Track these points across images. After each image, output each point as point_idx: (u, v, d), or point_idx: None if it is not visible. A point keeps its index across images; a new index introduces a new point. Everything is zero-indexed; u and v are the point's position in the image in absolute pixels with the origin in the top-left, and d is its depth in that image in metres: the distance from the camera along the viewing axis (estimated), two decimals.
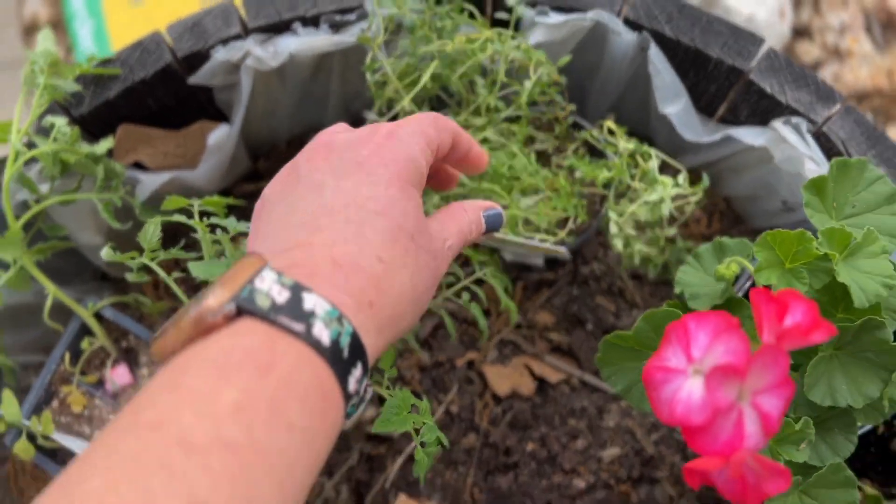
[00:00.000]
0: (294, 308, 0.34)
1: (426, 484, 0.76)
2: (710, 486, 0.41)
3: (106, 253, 0.63)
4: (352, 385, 0.36)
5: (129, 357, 0.73)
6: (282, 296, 0.34)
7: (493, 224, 0.49)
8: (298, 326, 0.34)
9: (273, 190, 0.43)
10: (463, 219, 0.47)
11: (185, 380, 0.31)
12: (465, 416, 0.78)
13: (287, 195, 0.42)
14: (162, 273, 0.60)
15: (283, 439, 0.31)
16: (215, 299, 0.34)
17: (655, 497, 0.74)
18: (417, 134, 0.43)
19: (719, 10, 1.20)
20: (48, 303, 0.70)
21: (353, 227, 0.39)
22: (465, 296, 0.60)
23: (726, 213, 0.82)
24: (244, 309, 0.34)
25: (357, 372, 0.36)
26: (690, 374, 0.40)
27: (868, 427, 0.62)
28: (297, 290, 0.35)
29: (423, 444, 0.51)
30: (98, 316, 0.72)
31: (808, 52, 1.30)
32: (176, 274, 0.60)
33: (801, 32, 1.32)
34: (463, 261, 0.69)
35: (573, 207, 0.65)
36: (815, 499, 0.54)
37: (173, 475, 0.27)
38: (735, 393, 0.38)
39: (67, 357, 0.72)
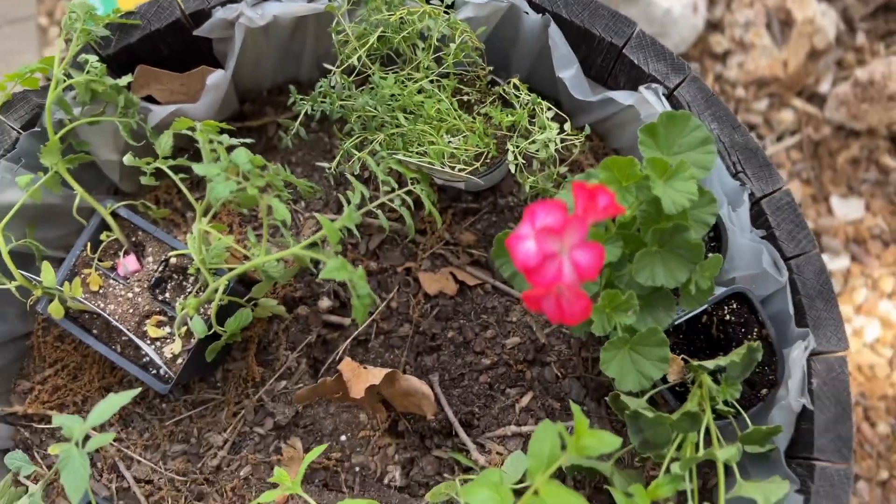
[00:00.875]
0: None
1: (371, 363, 0.97)
2: (541, 312, 0.62)
3: (128, 158, 0.82)
4: None
5: (138, 249, 0.93)
6: None
7: None
8: None
9: None
10: None
11: None
12: (401, 310, 0.99)
13: None
14: (173, 175, 0.79)
15: None
16: None
17: (545, 375, 0.96)
18: None
19: (640, 3, 1.41)
20: (76, 201, 0.89)
21: None
22: (397, 201, 0.81)
23: None
24: None
25: None
26: (530, 237, 0.61)
27: (695, 312, 0.84)
28: None
29: (359, 296, 0.72)
30: (114, 215, 0.92)
31: (719, 43, 1.52)
32: (182, 175, 0.80)
33: (714, 26, 1.54)
34: (398, 177, 0.89)
35: (486, 144, 0.86)
36: (640, 353, 0.76)
37: None
38: (557, 247, 0.60)
39: (89, 246, 0.91)
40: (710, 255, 0.78)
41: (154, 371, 0.89)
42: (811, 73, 1.46)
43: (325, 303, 0.99)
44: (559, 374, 0.96)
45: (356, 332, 0.97)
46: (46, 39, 1.60)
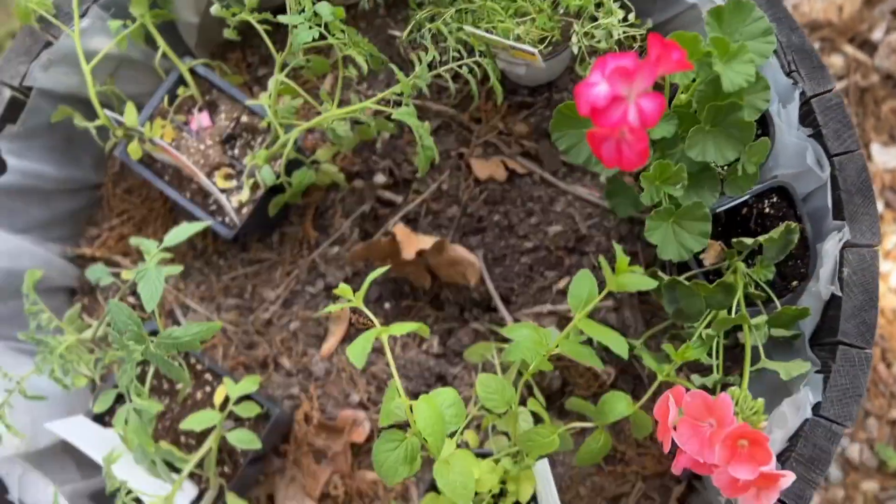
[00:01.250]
0: None
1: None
2: (600, 156, 0.66)
3: (215, 9, 0.87)
4: None
5: (211, 107, 0.98)
6: None
7: None
8: None
9: None
10: None
11: None
12: (451, 192, 1.04)
13: None
14: (258, 25, 0.84)
15: None
16: None
17: (583, 263, 1.01)
18: None
19: None
20: (158, 54, 0.95)
21: None
22: (465, 68, 0.85)
23: None
24: None
25: None
26: (600, 83, 0.65)
27: (736, 202, 0.88)
28: None
29: (423, 147, 0.77)
30: (191, 72, 0.97)
31: None
32: (265, 26, 0.85)
33: None
34: (469, 48, 0.92)
35: (551, 28, 0.89)
36: (682, 227, 0.80)
37: None
38: (626, 91, 0.64)
39: (166, 99, 0.97)
40: (759, 139, 0.81)
41: (220, 219, 0.94)
42: (865, 20, 1.48)
43: (380, 178, 1.04)
44: (595, 264, 1.01)
45: (407, 209, 1.02)
46: None
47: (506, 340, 0.98)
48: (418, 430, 0.66)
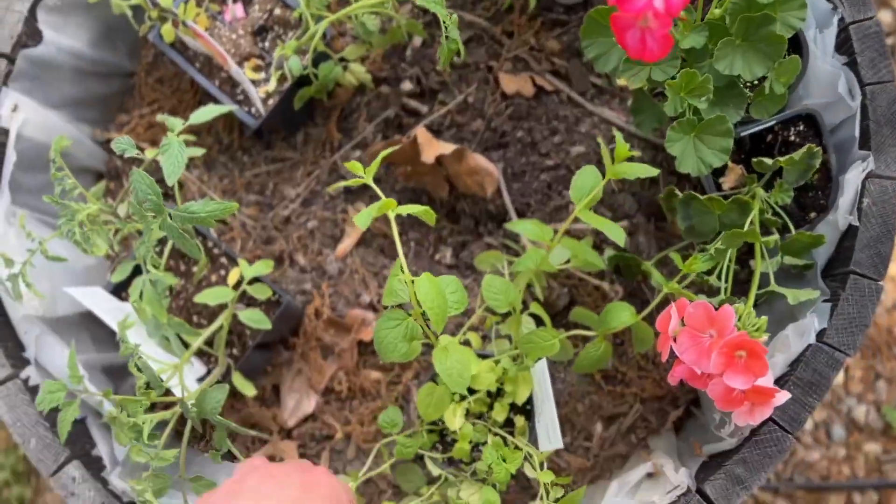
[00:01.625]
0: None
1: None
2: (624, 44, 0.66)
3: None
4: None
5: None
6: None
7: None
8: None
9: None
10: None
11: None
12: (477, 106, 1.04)
13: None
14: None
15: None
16: None
17: (603, 187, 1.00)
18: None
19: None
20: None
21: None
22: None
23: None
24: None
25: None
26: None
27: (761, 127, 0.87)
28: None
29: (447, 38, 0.77)
30: None
31: None
32: None
33: None
34: None
35: None
36: (703, 141, 0.79)
37: None
38: None
39: None
40: (789, 57, 0.80)
41: (246, 109, 0.96)
42: None
43: (407, 86, 1.04)
44: (616, 188, 1.00)
45: (431, 119, 1.03)
46: None
47: (517, 255, 0.99)
48: (419, 312, 0.68)
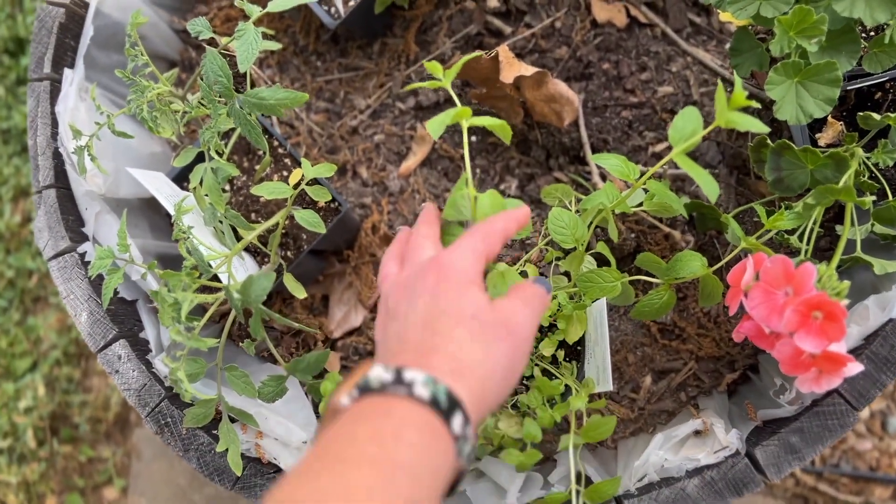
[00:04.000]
0: (397, 381, 0.48)
1: None
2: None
3: None
4: (456, 427, 0.47)
5: None
6: (388, 376, 0.48)
7: (548, 287, 0.61)
8: (403, 390, 0.47)
9: (377, 324, 0.58)
10: (528, 292, 0.58)
11: (335, 430, 0.46)
12: (564, 32, 0.98)
13: (383, 326, 0.56)
14: None
15: (406, 453, 0.44)
16: (340, 393, 0.49)
17: None
18: (468, 253, 0.56)
19: None
20: None
21: (429, 327, 0.52)
22: None
23: None
24: (364, 391, 0.48)
25: (458, 419, 0.48)
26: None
27: (871, 81, 0.80)
28: (398, 371, 0.48)
29: None
30: None
31: None
32: None
33: None
34: None
35: None
36: (807, 89, 0.73)
37: (341, 477, 0.42)
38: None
39: None
40: None
41: (326, 8, 0.93)
42: None
43: (492, 2, 0.99)
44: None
45: (514, 41, 0.98)
46: None
47: (586, 193, 0.95)
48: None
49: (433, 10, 1.00)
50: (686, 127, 0.70)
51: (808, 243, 0.79)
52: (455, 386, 0.49)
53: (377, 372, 0.48)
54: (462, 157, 0.99)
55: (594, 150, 0.95)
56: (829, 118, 0.82)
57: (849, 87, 0.81)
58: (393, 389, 0.47)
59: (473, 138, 1.00)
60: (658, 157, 0.94)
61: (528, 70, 0.90)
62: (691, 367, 0.91)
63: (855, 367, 0.67)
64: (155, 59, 1.02)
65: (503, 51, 0.90)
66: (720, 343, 0.90)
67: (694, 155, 0.94)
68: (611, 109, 0.96)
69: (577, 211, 0.88)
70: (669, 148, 0.95)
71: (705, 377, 0.91)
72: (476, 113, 1.00)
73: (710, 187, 0.68)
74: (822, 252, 0.89)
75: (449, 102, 1.00)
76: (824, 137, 0.81)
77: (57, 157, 0.86)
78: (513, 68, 0.89)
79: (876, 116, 0.74)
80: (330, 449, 0.44)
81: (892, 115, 0.73)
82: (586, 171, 0.95)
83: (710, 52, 0.95)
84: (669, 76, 0.96)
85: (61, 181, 0.87)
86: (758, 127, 0.67)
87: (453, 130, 1.00)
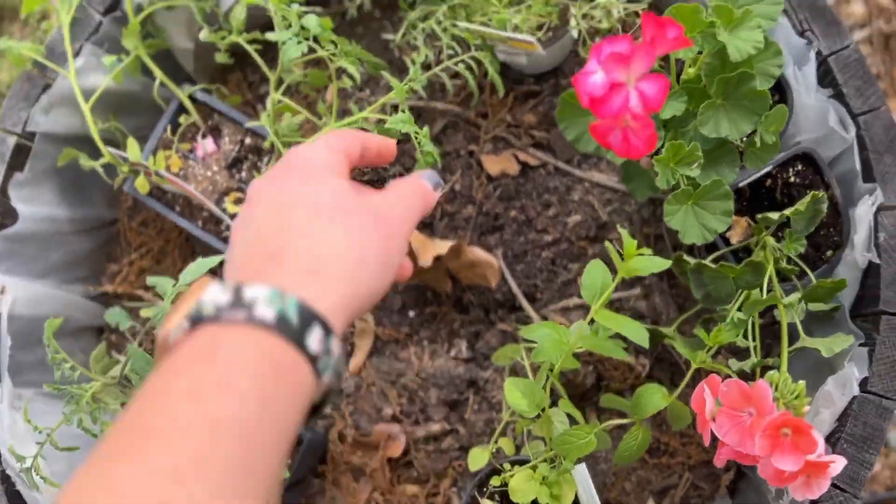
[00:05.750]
0: (236, 303, 0.40)
1: None
2: (608, 147, 0.64)
3: (204, 34, 0.86)
4: (313, 345, 0.40)
5: (215, 132, 0.97)
6: (224, 298, 0.40)
7: (434, 180, 0.55)
8: (239, 315, 0.39)
9: (233, 229, 0.49)
10: (405, 186, 0.53)
11: (151, 385, 0.38)
12: (465, 192, 1.01)
13: (234, 237, 0.48)
14: (248, 47, 0.83)
15: (233, 406, 0.36)
16: (170, 323, 0.40)
17: (606, 252, 0.97)
18: (320, 144, 0.50)
19: None
20: (156, 84, 0.94)
21: (280, 224, 0.46)
22: (461, 66, 0.83)
23: None
24: (196, 320, 0.39)
25: (315, 334, 0.40)
26: (598, 70, 0.62)
27: (759, 174, 0.84)
28: (237, 289, 0.40)
29: (423, 153, 0.75)
30: (191, 99, 0.96)
31: None
32: (256, 45, 0.83)
33: None
34: (465, 44, 0.90)
35: (548, 13, 0.86)
36: (703, 207, 0.76)
37: (143, 460, 0.34)
38: (624, 76, 0.61)
39: (169, 128, 0.96)
40: (776, 106, 0.77)
41: None
42: None
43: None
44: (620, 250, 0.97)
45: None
46: None
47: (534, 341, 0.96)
48: None
49: None
50: (595, 283, 0.72)
51: (753, 340, 0.81)
52: (310, 291, 0.42)
53: (212, 293, 0.40)
54: (408, 336, 1.00)
55: (527, 297, 0.97)
56: (734, 216, 0.85)
57: (740, 184, 0.85)
58: (230, 315, 0.39)
59: (411, 313, 1.01)
60: None
61: (443, 246, 0.92)
62: (688, 479, 0.91)
63: (839, 465, 0.68)
64: (81, 333, 1.01)
65: (414, 238, 0.92)
66: (706, 447, 0.91)
67: None
68: (531, 253, 0.98)
69: (531, 364, 0.89)
70: None
71: (703, 483, 0.91)
72: (407, 289, 1.01)
73: (639, 336, 0.70)
74: (771, 330, 0.91)
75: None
76: (734, 235, 0.84)
77: (5, 481, 0.84)
78: (427, 250, 0.91)
79: (773, 216, 0.77)
80: (139, 417, 0.36)
81: (786, 211, 0.76)
82: (528, 317, 0.96)
83: (603, 172, 0.99)
84: (574, 205, 0.99)
85: (15, 501, 0.84)
86: (658, 266, 0.69)
87: (389, 311, 1.01)
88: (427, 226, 1.01)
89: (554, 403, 0.82)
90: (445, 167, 1.02)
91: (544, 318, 0.96)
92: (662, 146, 0.76)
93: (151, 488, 0.33)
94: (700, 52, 0.75)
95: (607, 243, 0.69)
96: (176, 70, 1.04)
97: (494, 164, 1.00)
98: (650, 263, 0.67)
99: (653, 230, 0.98)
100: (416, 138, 0.73)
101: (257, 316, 0.39)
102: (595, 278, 0.71)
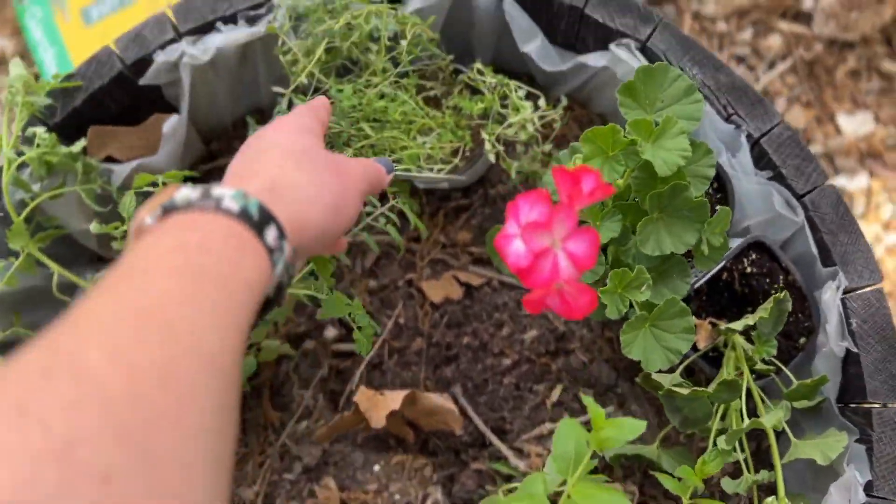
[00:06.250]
0: (205, 197, 0.45)
1: (388, 385, 0.93)
2: (548, 309, 0.57)
3: (94, 226, 0.79)
4: (269, 239, 0.46)
5: None
6: (195, 194, 0.45)
7: (388, 166, 0.64)
8: (209, 203, 0.45)
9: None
10: (367, 161, 0.62)
11: (136, 247, 0.42)
12: (410, 324, 0.94)
13: (230, 165, 0.56)
14: None
15: (213, 261, 0.42)
16: (145, 211, 0.46)
17: (571, 364, 0.91)
18: (300, 111, 0.61)
19: None
20: (55, 279, 0.86)
21: (257, 157, 0.54)
22: (382, 220, 0.76)
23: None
24: (168, 210, 0.45)
25: (272, 231, 0.46)
26: (517, 235, 0.56)
27: (713, 272, 0.78)
28: (206, 189, 0.46)
29: (359, 328, 0.68)
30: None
31: None
32: None
33: None
34: (381, 195, 0.85)
35: (460, 138, 0.81)
36: (662, 329, 0.70)
37: (142, 284, 0.38)
38: (548, 241, 0.55)
39: None
40: (717, 208, 0.72)
41: None
42: None
43: (331, 332, 0.94)
44: (585, 360, 0.91)
45: (369, 357, 0.93)
46: None
47: (510, 479, 0.88)
48: None
49: (276, 369, 0.94)
50: (568, 451, 0.65)
51: (742, 451, 0.75)
52: (269, 201, 0.48)
53: (184, 191, 0.46)
54: (377, 493, 0.92)
55: (495, 431, 0.89)
56: (696, 321, 0.79)
57: (696, 285, 0.79)
58: (201, 203, 0.45)
59: (376, 467, 0.93)
60: (559, 404, 0.90)
61: (395, 400, 0.84)
62: None
63: None
64: None
65: (361, 398, 0.84)
66: None
67: (589, 382, 0.90)
68: (491, 381, 0.91)
69: None
70: (564, 389, 0.90)
71: None
72: (368, 439, 0.93)
73: None
74: (759, 437, 0.85)
75: (335, 445, 0.93)
76: (700, 340, 0.78)
77: None
78: (379, 408, 0.84)
79: (737, 327, 0.72)
80: (131, 265, 0.40)
81: (751, 319, 0.71)
82: (499, 452, 0.89)
83: None
84: (528, 320, 0.92)
85: None
86: (634, 431, 0.62)
87: (353, 469, 0.93)
88: (377, 366, 0.94)
89: None
90: (384, 302, 0.95)
91: (518, 449, 0.89)
92: (605, 275, 0.70)
93: (150, 303, 0.37)
94: (626, 169, 0.69)
95: (583, 396, 0.62)
96: (80, 250, 0.96)
97: (436, 290, 0.94)
98: (624, 431, 0.60)
99: (615, 332, 0.91)
100: (351, 318, 0.66)
101: (224, 206, 0.45)
102: (567, 445, 0.64)
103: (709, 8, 1.43)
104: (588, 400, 0.63)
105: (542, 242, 0.55)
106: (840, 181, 1.34)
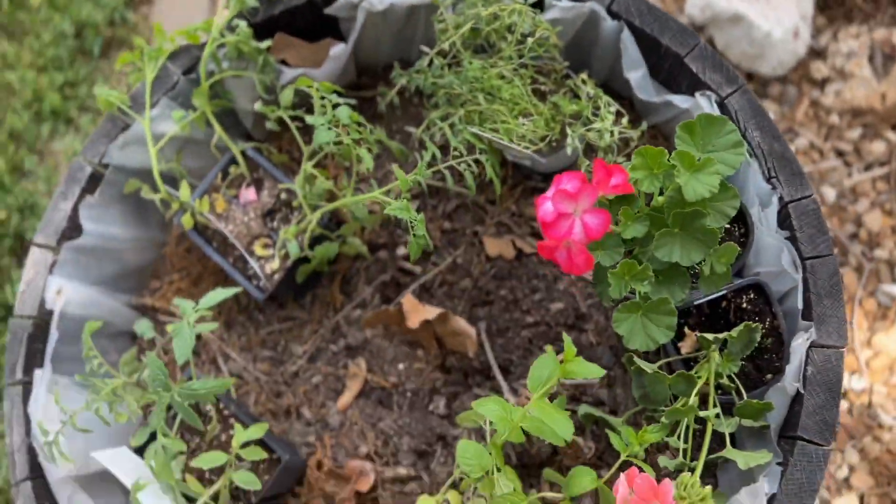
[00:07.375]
0: None
1: (431, 305, 1.13)
2: (554, 261, 0.75)
3: (258, 105, 1.02)
4: None
5: (257, 184, 1.13)
6: None
7: None
8: None
9: None
10: None
11: None
12: (464, 266, 1.14)
13: None
14: (290, 122, 0.98)
15: None
16: None
17: (581, 340, 1.08)
18: None
19: (742, 25, 1.49)
20: (215, 138, 1.10)
21: None
22: (464, 165, 0.96)
23: None
24: None
25: None
26: (551, 198, 0.74)
27: (716, 295, 0.93)
28: None
29: (415, 236, 0.88)
30: (243, 154, 1.12)
31: (819, 69, 1.57)
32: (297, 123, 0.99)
33: (817, 53, 1.58)
34: (471, 149, 1.04)
35: (551, 129, 0.99)
36: (650, 319, 0.87)
37: None
38: (571, 209, 0.73)
39: (220, 176, 1.12)
40: (727, 243, 0.87)
41: (256, 283, 1.08)
42: None
43: (402, 251, 1.15)
44: (594, 341, 1.08)
45: (424, 279, 1.13)
46: (214, 9, 1.87)
47: None
48: None
49: (352, 263, 1.16)
50: (542, 375, 0.83)
51: (685, 442, 0.90)
52: None
53: None
54: (394, 385, 1.12)
55: (501, 369, 1.08)
56: (687, 330, 0.95)
57: (698, 302, 0.95)
58: None
59: (401, 366, 1.13)
60: None
61: (432, 312, 1.04)
62: None
63: None
64: (119, 336, 1.17)
65: (407, 301, 1.04)
66: None
67: (591, 359, 1.07)
68: (512, 330, 1.09)
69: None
70: None
71: None
72: (401, 343, 1.13)
73: (563, 430, 0.80)
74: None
75: (376, 338, 1.13)
76: (685, 346, 0.94)
77: (31, 452, 0.99)
78: (417, 314, 1.04)
79: (709, 337, 0.87)
80: None
81: (721, 335, 0.86)
82: (499, 386, 1.07)
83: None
84: (558, 294, 1.10)
85: (36, 472, 0.99)
86: (592, 373, 0.80)
87: (382, 361, 1.13)
88: (427, 289, 1.14)
89: (519, 469, 0.93)
90: (450, 242, 1.15)
91: (514, 390, 1.07)
92: (618, 263, 0.87)
93: None
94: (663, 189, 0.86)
95: (549, 348, 0.80)
96: (236, 125, 1.21)
97: (494, 246, 1.13)
98: (585, 369, 0.78)
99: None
100: (410, 224, 0.86)
101: None
102: (542, 371, 0.82)
103: (828, 99, 1.54)
104: (566, 338, 0.80)
105: (566, 207, 0.73)
106: (837, 263, 1.44)
